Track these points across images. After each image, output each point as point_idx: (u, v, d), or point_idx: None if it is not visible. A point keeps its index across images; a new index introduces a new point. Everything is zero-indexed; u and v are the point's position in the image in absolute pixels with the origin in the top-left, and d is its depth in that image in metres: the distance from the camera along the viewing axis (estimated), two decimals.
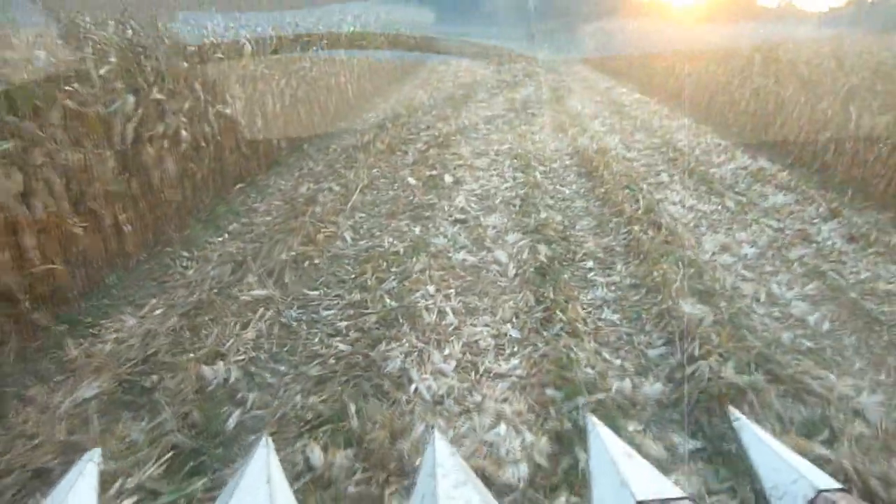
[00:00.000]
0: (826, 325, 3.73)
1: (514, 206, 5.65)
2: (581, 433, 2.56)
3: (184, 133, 4.64)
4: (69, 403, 2.68)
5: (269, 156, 6.59)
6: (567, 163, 7.39)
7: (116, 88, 3.88)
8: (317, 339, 3.38)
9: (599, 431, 1.12)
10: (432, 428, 1.28)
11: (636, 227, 4.98)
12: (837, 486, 0.96)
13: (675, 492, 0.96)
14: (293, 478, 2.31)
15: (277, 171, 6.57)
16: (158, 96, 4.31)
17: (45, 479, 2.28)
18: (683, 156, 7.81)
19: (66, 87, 3.40)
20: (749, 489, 2.30)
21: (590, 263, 4.49)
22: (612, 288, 4.11)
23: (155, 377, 2.93)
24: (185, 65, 4.87)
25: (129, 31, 4.35)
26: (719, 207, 5.88)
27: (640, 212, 5.37)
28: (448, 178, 6.33)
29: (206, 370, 2.97)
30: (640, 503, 0.93)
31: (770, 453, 1.07)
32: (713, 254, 4.70)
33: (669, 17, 18.09)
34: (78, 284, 3.46)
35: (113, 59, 3.85)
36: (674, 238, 4.80)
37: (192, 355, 3.08)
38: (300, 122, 7.41)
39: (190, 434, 2.57)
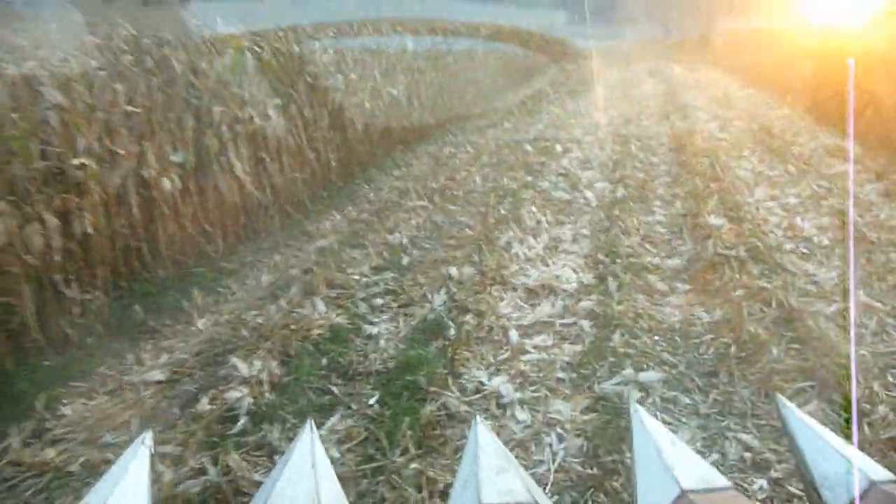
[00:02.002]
0: (826, 241, 5.07)
1: (608, 167, 7.25)
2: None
3: (366, 104, 6.67)
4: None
5: (420, 129, 8.55)
6: (663, 140, 8.83)
7: (330, 71, 5.94)
8: (455, 231, 5.20)
9: (644, 419, 1.11)
10: (475, 415, 1.30)
11: (698, 180, 6.45)
12: (892, 477, 0.94)
13: (721, 480, 0.95)
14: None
15: (426, 139, 8.54)
16: (352, 76, 6.35)
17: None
18: (772, 137, 8.98)
19: (310, 68, 5.49)
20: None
21: (657, 203, 6.03)
22: (665, 215, 5.64)
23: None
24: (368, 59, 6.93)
25: None
26: (783, 172, 7.14)
27: (707, 171, 6.80)
28: (558, 148, 8.01)
29: (389, 237, 4.89)
30: (685, 491, 0.92)
31: (819, 442, 1.04)
32: (758, 199, 6.08)
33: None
34: (308, 191, 5.53)
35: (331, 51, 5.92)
36: (728, 186, 6.23)
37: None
38: (444, 106, 9.34)
39: None
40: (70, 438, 2.67)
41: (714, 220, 5.17)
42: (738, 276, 4.16)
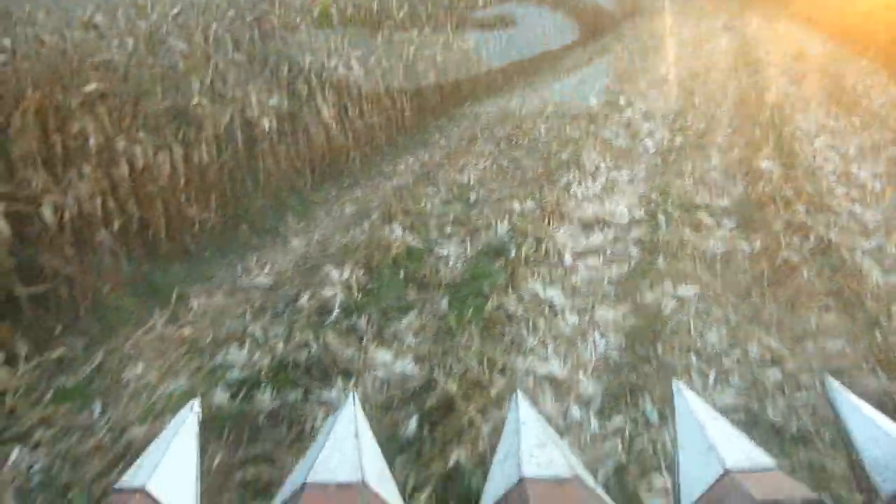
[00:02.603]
0: (878, 187, 5.26)
1: (669, 118, 7.49)
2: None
3: (438, 58, 7.10)
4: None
5: (489, 82, 8.93)
6: (728, 94, 8.93)
7: (405, 26, 6.40)
8: (518, 173, 5.63)
9: (686, 395, 1.11)
10: (515, 390, 1.27)
11: (758, 130, 6.64)
12: None
13: (765, 460, 0.94)
14: None
15: (494, 92, 8.92)
16: (426, 30, 6.79)
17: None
18: (842, 91, 8.95)
19: (388, 22, 5.95)
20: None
21: (714, 150, 6.28)
22: (721, 161, 5.91)
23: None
24: (441, 15, 7.34)
25: None
26: (847, 124, 7.22)
27: (769, 122, 6.97)
28: (622, 100, 8.27)
29: (458, 177, 5.37)
30: (729, 470, 0.91)
31: (870, 424, 1.02)
32: (817, 148, 6.24)
33: None
34: (384, 136, 6.05)
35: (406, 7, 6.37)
36: (787, 136, 6.41)
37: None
38: (513, 61, 9.68)
39: None
40: (199, 323, 3.30)
41: (766, 165, 5.43)
42: (782, 213, 4.46)
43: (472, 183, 5.28)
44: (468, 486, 2.22)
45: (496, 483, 0.99)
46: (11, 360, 2.79)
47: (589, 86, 9.25)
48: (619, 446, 2.43)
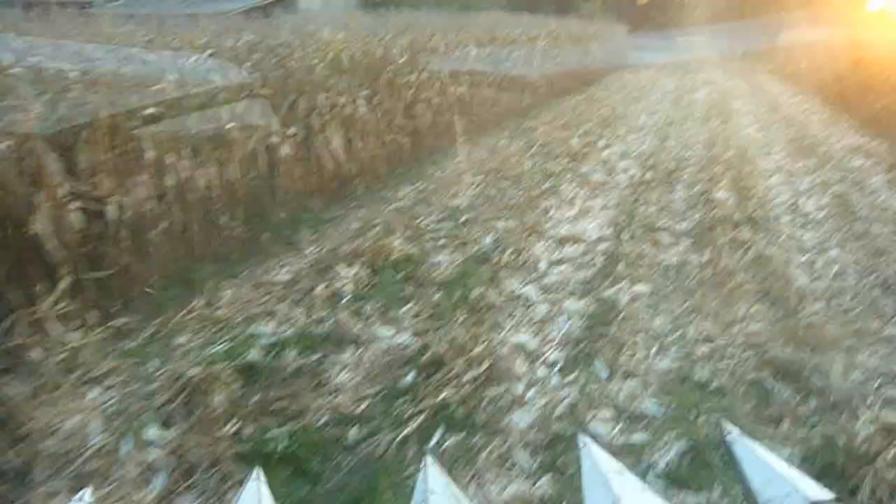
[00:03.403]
0: (820, 216, 5.99)
1: (642, 157, 8.28)
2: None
3: (434, 100, 7.90)
4: None
5: (480, 123, 9.74)
6: (700, 139, 9.75)
7: (406, 71, 7.20)
8: (504, 199, 6.34)
9: (591, 450, 1.16)
10: (424, 455, 1.38)
11: (719, 168, 7.42)
12: (830, 496, 1.01)
13: None
14: None
15: (484, 132, 9.72)
16: (424, 76, 7.60)
17: None
18: (805, 137, 9.79)
19: (390, 67, 6.74)
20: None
21: (679, 185, 7.02)
22: (685, 194, 6.64)
23: None
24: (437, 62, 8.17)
25: None
26: (804, 165, 8.01)
27: (732, 162, 7.75)
28: (601, 142, 9.08)
29: (451, 202, 6.08)
30: None
31: (763, 466, 1.10)
32: (772, 184, 7.00)
33: None
34: (385, 167, 6.78)
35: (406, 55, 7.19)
36: (746, 173, 7.18)
37: None
38: (502, 104, 10.52)
39: None
40: (231, 307, 3.95)
41: (722, 195, 6.17)
42: (729, 232, 5.17)
43: (462, 206, 5.98)
44: (453, 414, 2.86)
45: None
46: (84, 327, 3.42)
47: (572, 129, 10.07)
48: (575, 392, 3.07)
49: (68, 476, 2.48)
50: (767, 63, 21.89)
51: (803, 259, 4.83)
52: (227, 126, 4.62)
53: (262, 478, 1.12)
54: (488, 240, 5.04)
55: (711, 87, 17.06)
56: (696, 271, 4.56)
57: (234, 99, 4.74)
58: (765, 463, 1.10)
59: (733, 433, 1.22)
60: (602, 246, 5.01)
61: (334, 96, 5.89)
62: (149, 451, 2.61)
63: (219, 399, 2.90)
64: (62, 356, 3.20)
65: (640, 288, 4.19)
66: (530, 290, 4.19)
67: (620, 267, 4.51)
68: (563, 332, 3.69)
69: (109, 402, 2.99)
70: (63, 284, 3.44)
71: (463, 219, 5.69)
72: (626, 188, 6.83)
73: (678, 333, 3.68)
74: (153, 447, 2.64)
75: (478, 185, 6.69)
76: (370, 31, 7.59)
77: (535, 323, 3.80)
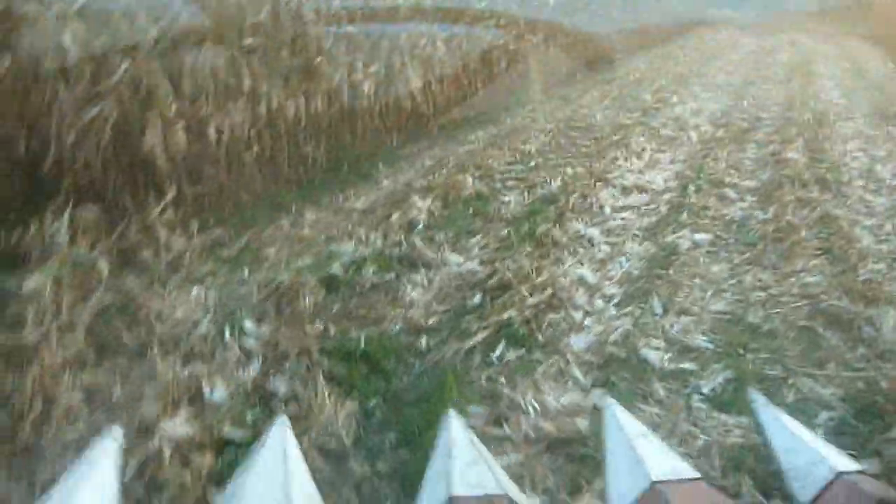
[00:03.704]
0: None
1: (716, 115, 8.22)
2: None
3: (510, 46, 8.00)
4: None
5: (557, 74, 9.77)
6: (778, 101, 9.56)
7: (486, 16, 7.31)
8: (573, 148, 6.47)
9: (616, 412, 1.17)
10: (448, 409, 1.38)
11: (794, 130, 7.34)
12: (857, 467, 0.99)
13: (690, 472, 0.99)
14: None
15: (561, 84, 9.75)
16: (502, 21, 7.69)
17: None
18: (890, 104, 9.48)
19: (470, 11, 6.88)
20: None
21: (751, 144, 6.98)
22: (756, 153, 6.63)
23: None
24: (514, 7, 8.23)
25: None
26: (883, 133, 7.81)
27: (809, 124, 7.63)
28: (675, 98, 9.02)
29: (521, 146, 6.25)
30: (655, 482, 0.95)
31: (789, 435, 1.09)
32: (848, 149, 6.88)
33: None
34: (459, 111, 6.97)
35: None
36: (823, 136, 7.09)
37: None
38: (579, 57, 10.50)
39: None
40: (314, 228, 4.28)
41: (794, 156, 6.15)
42: (797, 191, 5.20)
43: (532, 151, 6.16)
44: (516, 332, 3.12)
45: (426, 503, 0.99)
46: (186, 235, 3.80)
47: (646, 85, 10.01)
48: (629, 323, 3.29)
49: (179, 354, 2.86)
50: (860, 23, 20.85)
51: (870, 223, 4.84)
52: (316, 60, 4.89)
53: (288, 422, 1.14)
54: (556, 184, 5.22)
55: (795, 47, 16.46)
56: (759, 226, 4.65)
57: (321, 34, 5.00)
58: (791, 431, 1.09)
59: (759, 401, 1.21)
60: (667, 196, 5.13)
61: (416, 37, 6.09)
62: (246, 340, 2.97)
63: (305, 303, 3.24)
64: (168, 257, 3.59)
65: (701, 237, 4.33)
66: (594, 232, 4.38)
67: (684, 216, 4.64)
68: (622, 270, 3.89)
69: (210, 299, 3.37)
70: (169, 196, 3.82)
71: (532, 163, 5.87)
72: (696, 144, 6.86)
73: (735, 280, 3.83)
74: (250, 337, 3.00)
75: (549, 133, 6.83)
76: None
77: (596, 261, 4.00)
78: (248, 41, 4.33)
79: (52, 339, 2.80)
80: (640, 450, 1.03)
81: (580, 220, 4.58)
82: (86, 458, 1.04)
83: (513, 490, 1.00)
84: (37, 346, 2.74)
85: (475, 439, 1.16)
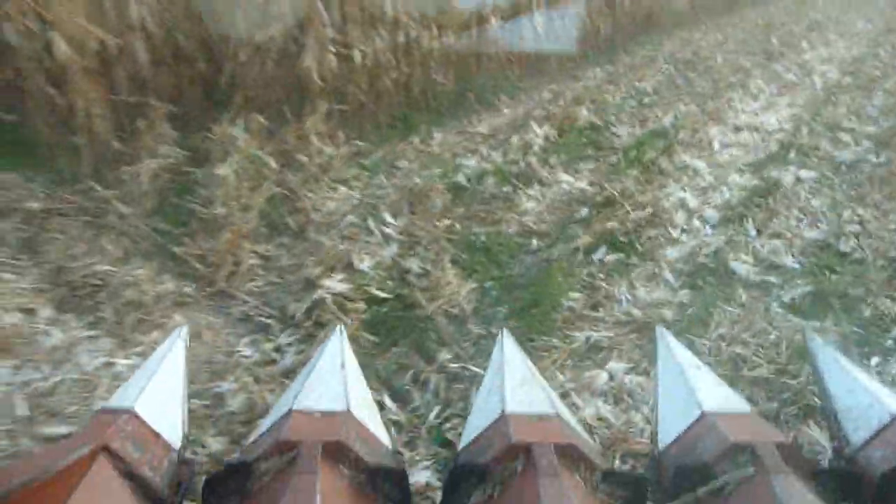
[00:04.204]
0: None
1: (846, 62, 8.00)
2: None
3: None
4: None
5: (678, 16, 9.71)
6: None
7: None
8: (689, 88, 6.61)
9: (669, 342, 1.19)
10: (501, 329, 1.41)
11: None
12: None
13: (741, 404, 1.00)
14: None
15: (681, 26, 9.69)
16: None
17: None
18: None
19: None
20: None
21: (879, 92, 6.84)
22: (882, 102, 6.52)
23: None
24: None
25: None
26: None
27: None
28: (804, 44, 8.80)
29: (637, 84, 6.47)
30: (706, 413, 0.96)
31: (845, 376, 1.07)
32: None
33: None
34: (579, 49, 7.23)
35: None
36: None
37: None
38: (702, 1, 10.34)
39: None
40: (441, 146, 4.80)
41: None
42: None
43: (647, 90, 6.38)
44: (617, 240, 3.54)
45: (479, 417, 1.01)
46: (333, 144, 4.42)
47: (775, 29, 9.75)
48: (722, 241, 3.63)
49: (333, 236, 3.49)
50: None
51: None
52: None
53: (345, 333, 1.17)
54: (668, 120, 5.47)
55: None
56: (869, 169, 4.75)
57: None
58: (848, 372, 1.08)
59: (817, 340, 1.20)
60: (778, 136, 5.27)
61: None
62: (385, 228, 3.56)
63: (434, 203, 3.78)
64: (318, 161, 4.22)
65: (807, 173, 4.51)
66: (699, 164, 4.66)
67: (791, 154, 4.81)
68: (723, 198, 4.18)
69: (354, 197, 3.98)
70: (321, 109, 4.43)
71: (646, 100, 6.11)
72: (819, 90, 6.80)
73: (833, 213, 4.04)
74: (388, 227, 3.59)
75: (665, 73, 6.99)
76: None
77: (698, 188, 4.31)
78: None
79: (234, 216, 3.50)
80: (692, 380, 1.03)
81: (688, 152, 4.85)
82: (159, 351, 1.12)
83: (562, 409, 1.02)
84: (224, 219, 3.45)
85: (527, 359, 1.20)
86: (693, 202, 4.08)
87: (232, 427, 2.33)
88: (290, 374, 2.57)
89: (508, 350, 1.17)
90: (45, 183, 3.83)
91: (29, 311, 2.81)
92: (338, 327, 1.24)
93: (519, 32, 6.30)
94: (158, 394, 1.00)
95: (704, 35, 8.98)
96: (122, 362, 2.58)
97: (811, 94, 6.60)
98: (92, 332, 2.77)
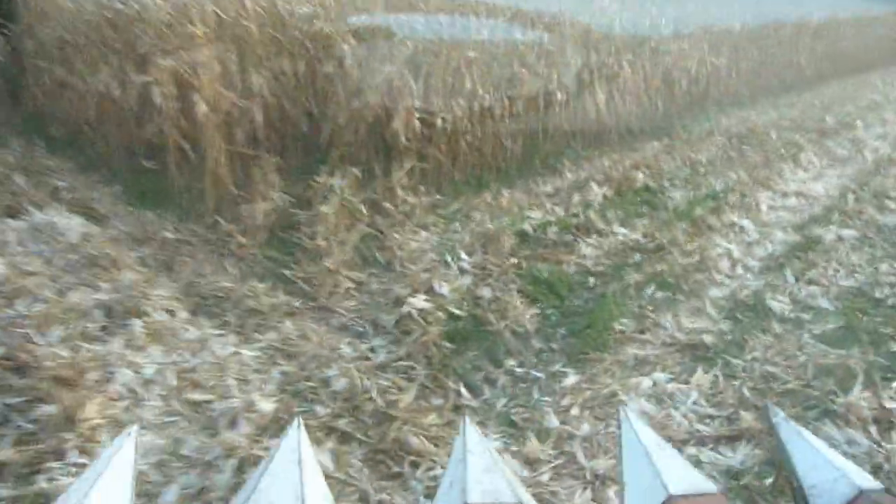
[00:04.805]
0: None
1: None
2: None
3: (692, 69, 8.69)
4: None
5: (735, 96, 10.23)
6: None
7: (668, 41, 8.11)
8: (742, 160, 7.07)
9: (633, 423, 1.15)
10: (464, 415, 1.36)
11: None
12: (879, 486, 0.97)
13: (708, 486, 0.98)
14: None
15: (738, 105, 10.19)
16: (684, 46, 8.43)
17: None
18: None
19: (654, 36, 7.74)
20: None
21: None
22: None
23: None
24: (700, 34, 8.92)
25: None
26: None
27: None
28: (859, 123, 9.16)
29: (692, 155, 6.99)
30: (672, 496, 0.94)
31: (810, 451, 1.07)
32: None
33: None
34: (637, 123, 7.83)
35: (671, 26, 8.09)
36: None
37: None
38: (760, 80, 10.84)
39: None
40: (510, 202, 5.38)
41: None
42: None
43: (701, 160, 6.87)
44: (665, 280, 4.00)
45: None
46: (415, 196, 5.06)
47: (830, 109, 10.15)
48: (762, 284, 4.04)
49: (417, 268, 4.06)
50: None
51: None
52: (521, 71, 6.03)
53: (303, 426, 1.14)
54: (719, 185, 5.95)
55: None
56: None
57: (527, 53, 6.15)
58: (812, 447, 1.09)
59: (780, 416, 1.20)
60: (824, 201, 5.66)
61: (604, 57, 7.06)
62: (461, 263, 4.12)
63: (503, 245, 4.33)
64: (403, 209, 4.86)
65: (848, 232, 4.89)
66: (746, 222, 5.10)
67: (835, 216, 5.20)
68: (766, 251, 4.61)
69: (433, 239, 4.58)
70: (405, 166, 5.11)
71: (700, 169, 6.60)
72: (869, 163, 7.16)
73: (871, 267, 4.40)
74: (463, 261, 4.15)
75: (720, 146, 7.47)
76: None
77: (744, 242, 4.74)
78: (470, 55, 5.56)
79: (333, 248, 4.13)
80: (657, 462, 1.03)
81: (735, 212, 5.29)
82: (106, 454, 1.08)
83: (526, 497, 1.02)
84: (324, 250, 4.08)
85: (490, 446, 1.17)
86: (737, 253, 4.51)
87: (337, 404, 2.86)
88: (384, 367, 3.12)
89: (471, 438, 1.12)
90: (175, 218, 4.58)
91: (171, 312, 3.45)
92: (295, 420, 1.19)
93: (582, 106, 6.94)
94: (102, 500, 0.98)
95: (760, 114, 9.46)
96: (246, 353, 3.18)
97: (861, 167, 6.96)
98: (220, 331, 3.39)
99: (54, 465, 2.40)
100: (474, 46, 5.69)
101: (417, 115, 5.25)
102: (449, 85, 5.49)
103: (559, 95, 6.47)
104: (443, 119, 5.39)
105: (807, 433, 1.13)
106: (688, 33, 8.60)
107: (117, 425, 2.61)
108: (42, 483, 2.30)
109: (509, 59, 6.06)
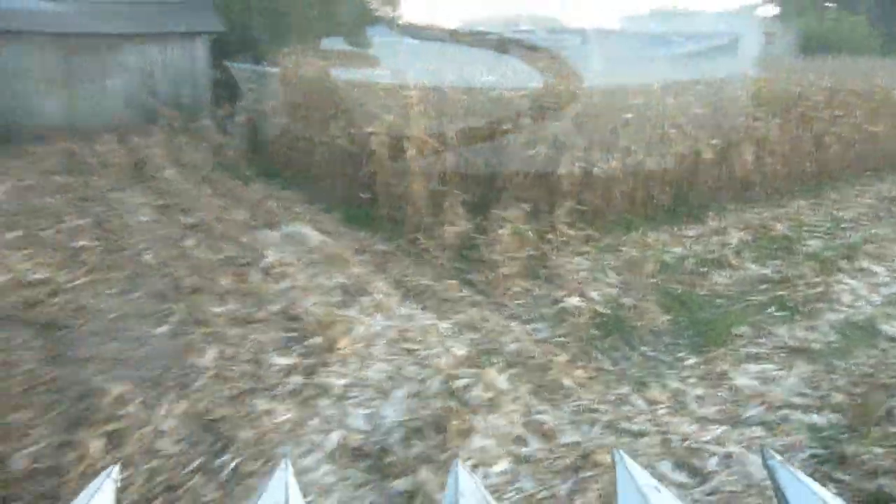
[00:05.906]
0: None
1: None
2: None
3: (845, 134, 9.08)
4: None
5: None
6: None
7: (819, 107, 8.63)
8: (891, 221, 7.39)
9: (627, 465, 1.17)
10: (455, 459, 1.42)
11: None
12: None
13: None
14: None
15: None
16: (837, 112, 8.89)
17: None
18: None
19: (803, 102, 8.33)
20: None
21: None
22: None
23: None
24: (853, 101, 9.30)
25: None
26: None
27: None
28: None
29: (838, 212, 7.44)
30: None
31: (806, 492, 1.10)
32: None
33: None
34: (783, 182, 8.35)
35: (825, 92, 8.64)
36: None
37: None
38: None
39: None
40: (654, 242, 6.23)
41: None
42: None
43: (846, 217, 7.31)
44: (786, 303, 4.69)
45: None
46: (573, 230, 6.08)
47: None
48: (878, 313, 4.61)
49: (572, 280, 5.05)
50: None
51: None
52: (671, 131, 6.94)
53: (290, 467, 1.15)
54: (857, 237, 6.42)
55: None
56: None
57: (677, 116, 7.05)
58: (808, 489, 1.11)
59: (776, 459, 1.21)
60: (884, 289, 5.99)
61: (751, 120, 7.77)
62: (608, 279, 5.07)
63: (646, 270, 5.22)
64: (562, 240, 5.88)
65: None
66: (878, 268, 5.59)
67: None
68: (891, 291, 5.12)
69: (586, 262, 5.55)
70: (566, 206, 6.16)
71: (843, 225, 7.06)
72: None
73: None
74: (610, 278, 5.08)
75: (868, 206, 7.83)
76: (796, 72, 9.21)
77: (871, 283, 5.27)
78: (626, 116, 6.58)
79: (505, 262, 5.23)
80: (653, 501, 1.05)
81: (868, 260, 5.79)
82: (86, 492, 1.10)
83: None
84: (499, 263, 5.19)
85: (481, 486, 1.20)
86: (863, 291, 5.07)
87: (509, 359, 3.89)
88: (544, 341, 4.14)
89: (463, 483, 1.16)
90: (383, 237, 5.94)
91: (387, 295, 4.70)
92: (283, 460, 1.23)
93: (729, 164, 7.67)
94: None
95: None
96: (442, 325, 4.32)
97: None
98: (422, 311, 4.57)
99: (321, 370, 3.64)
100: (630, 109, 6.70)
101: (578, 165, 6.31)
102: (607, 142, 6.52)
103: (708, 154, 7.27)
104: (600, 169, 6.41)
105: (802, 475, 1.18)
106: (840, 101, 9.03)
107: (362, 357, 3.82)
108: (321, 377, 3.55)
109: (661, 122, 6.99)
